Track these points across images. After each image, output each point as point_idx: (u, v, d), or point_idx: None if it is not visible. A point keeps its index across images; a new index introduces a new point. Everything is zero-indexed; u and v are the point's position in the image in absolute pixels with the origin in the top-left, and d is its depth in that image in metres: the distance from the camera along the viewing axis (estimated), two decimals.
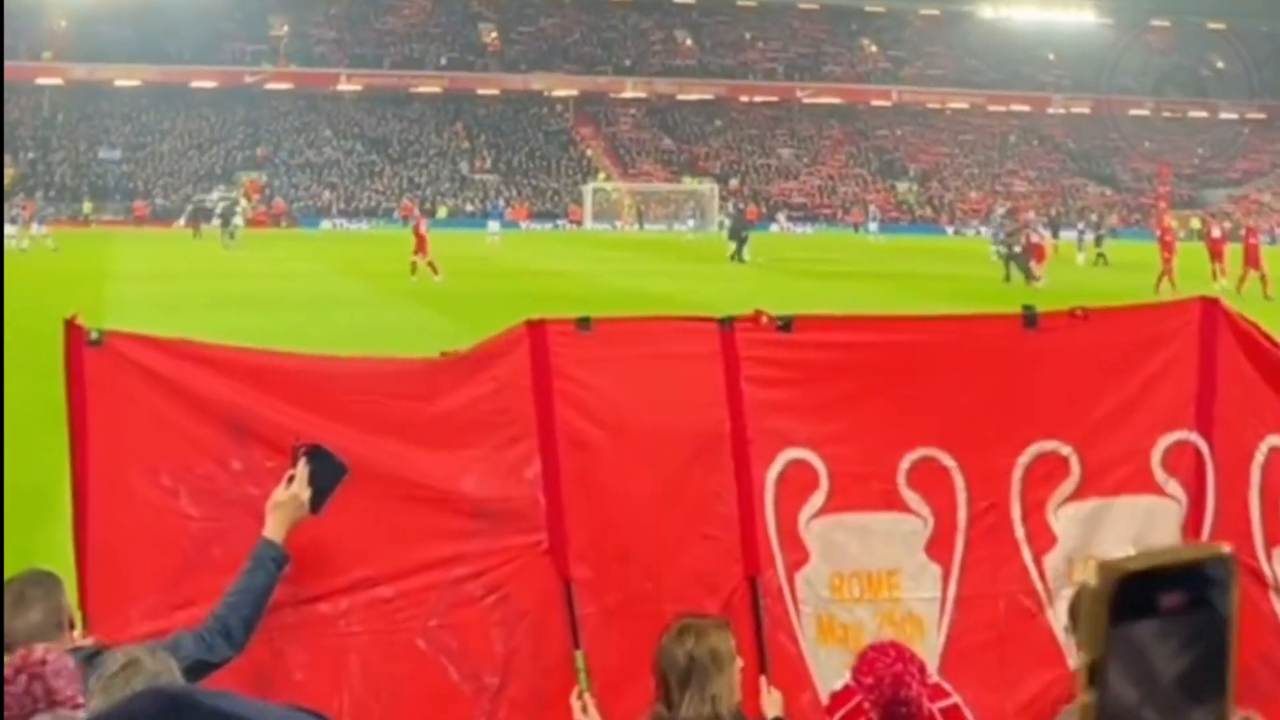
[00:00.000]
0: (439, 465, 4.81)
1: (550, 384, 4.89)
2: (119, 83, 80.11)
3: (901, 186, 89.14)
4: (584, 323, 4.91)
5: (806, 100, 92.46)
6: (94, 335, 4.61)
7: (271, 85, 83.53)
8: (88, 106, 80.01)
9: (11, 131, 77.91)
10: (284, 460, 4.41)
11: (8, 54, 76.96)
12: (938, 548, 5.02)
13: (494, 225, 60.93)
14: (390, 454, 4.71)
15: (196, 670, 3.90)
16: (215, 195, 72.26)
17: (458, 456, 4.82)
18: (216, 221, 58.35)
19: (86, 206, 72.57)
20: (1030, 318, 5.10)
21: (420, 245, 36.39)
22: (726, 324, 5.00)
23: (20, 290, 25.76)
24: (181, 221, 67.76)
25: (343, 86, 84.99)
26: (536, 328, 4.93)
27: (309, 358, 5.19)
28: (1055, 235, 50.81)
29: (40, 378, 7.60)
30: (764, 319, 5.03)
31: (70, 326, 4.60)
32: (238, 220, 58.78)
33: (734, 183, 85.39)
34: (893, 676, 3.82)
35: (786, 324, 5.05)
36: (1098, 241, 50.40)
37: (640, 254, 49.48)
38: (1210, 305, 5.18)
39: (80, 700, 3.28)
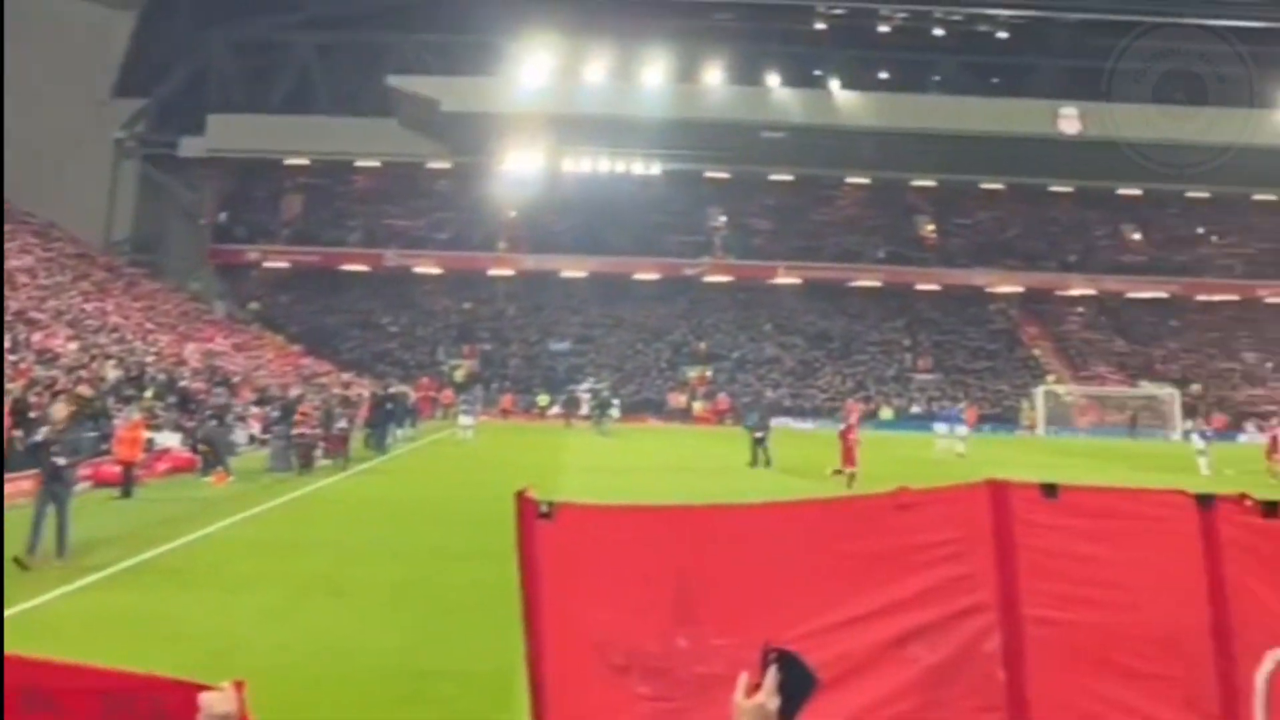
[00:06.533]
0: (890, 625, 4.84)
1: (1015, 552, 4.91)
2: (566, 273, 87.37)
3: None
4: (1050, 489, 4.88)
5: (1270, 299, 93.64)
6: (544, 508, 4.89)
7: (711, 277, 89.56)
8: (538, 298, 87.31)
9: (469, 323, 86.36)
10: (732, 638, 4.65)
11: (465, 244, 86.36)
12: None
13: (942, 428, 62.71)
14: (841, 608, 4.79)
15: None
16: (585, 386, 78.09)
17: (911, 618, 4.87)
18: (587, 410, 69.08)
19: (542, 399, 78.35)
20: None
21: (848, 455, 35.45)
22: (1207, 502, 4.87)
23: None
24: (556, 410, 75.22)
25: (781, 279, 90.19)
26: (1000, 489, 4.99)
27: (766, 504, 5.28)
28: None
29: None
30: (1249, 502, 4.87)
31: (522, 501, 4.92)
32: (614, 412, 67.77)
33: (1195, 388, 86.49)
34: None
35: (1274, 508, 4.88)
36: None
37: (1097, 462, 49.57)
38: None
39: None
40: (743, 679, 3.77)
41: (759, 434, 43.68)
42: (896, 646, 4.84)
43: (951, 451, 51.98)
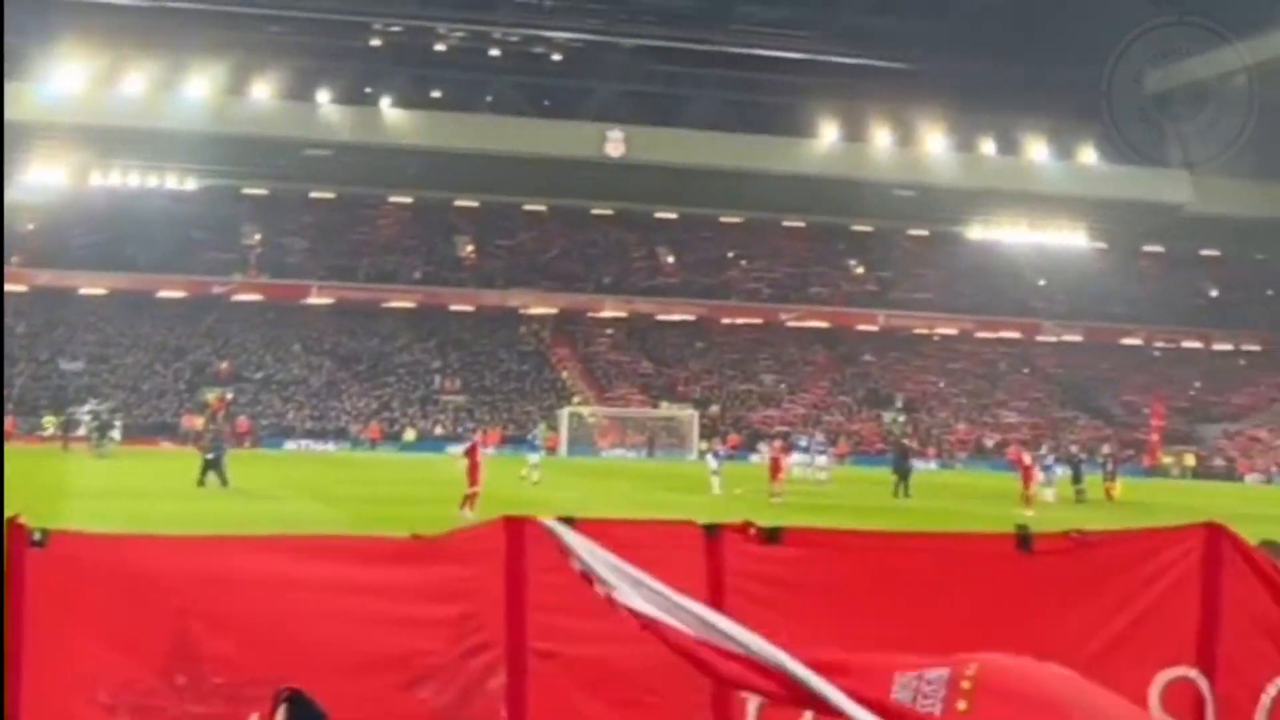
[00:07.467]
0: (396, 668, 4.90)
1: (524, 588, 5.01)
2: (84, 290, 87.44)
3: (887, 416, 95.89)
4: (565, 522, 4.82)
5: (791, 323, 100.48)
6: (37, 535, 4.62)
7: (241, 296, 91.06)
8: (52, 314, 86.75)
9: None
10: (233, 677, 4.65)
11: None
12: None
13: (457, 449, 64.45)
14: (347, 650, 4.83)
15: None
16: (87, 408, 78.75)
17: (418, 663, 4.93)
18: (85, 432, 70.06)
19: (47, 421, 77.90)
20: (1024, 539, 5.19)
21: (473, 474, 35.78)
22: (712, 531, 5.13)
23: None
24: (49, 432, 75.45)
25: (314, 299, 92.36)
26: (515, 526, 5.02)
27: (275, 537, 5.28)
28: (1078, 475, 53.21)
29: None
30: (751, 529, 5.15)
31: (12, 527, 4.61)
32: (115, 434, 69.15)
33: (714, 409, 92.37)
34: None
35: (773, 535, 5.16)
36: (1111, 477, 54.14)
37: (618, 482, 52.97)
38: (1215, 532, 5.24)
39: None
40: None
41: (210, 455, 45.60)
42: (406, 689, 4.89)
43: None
